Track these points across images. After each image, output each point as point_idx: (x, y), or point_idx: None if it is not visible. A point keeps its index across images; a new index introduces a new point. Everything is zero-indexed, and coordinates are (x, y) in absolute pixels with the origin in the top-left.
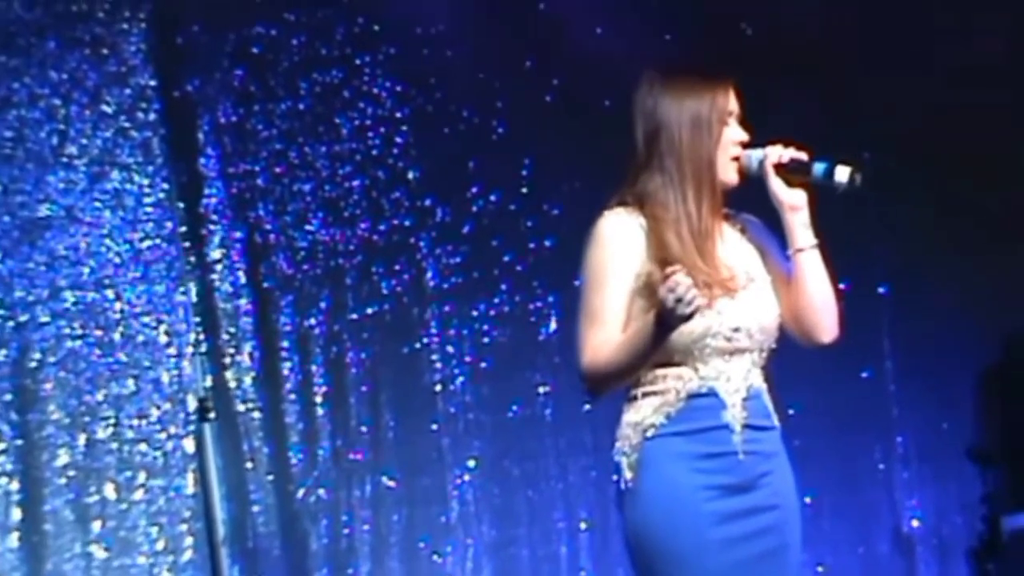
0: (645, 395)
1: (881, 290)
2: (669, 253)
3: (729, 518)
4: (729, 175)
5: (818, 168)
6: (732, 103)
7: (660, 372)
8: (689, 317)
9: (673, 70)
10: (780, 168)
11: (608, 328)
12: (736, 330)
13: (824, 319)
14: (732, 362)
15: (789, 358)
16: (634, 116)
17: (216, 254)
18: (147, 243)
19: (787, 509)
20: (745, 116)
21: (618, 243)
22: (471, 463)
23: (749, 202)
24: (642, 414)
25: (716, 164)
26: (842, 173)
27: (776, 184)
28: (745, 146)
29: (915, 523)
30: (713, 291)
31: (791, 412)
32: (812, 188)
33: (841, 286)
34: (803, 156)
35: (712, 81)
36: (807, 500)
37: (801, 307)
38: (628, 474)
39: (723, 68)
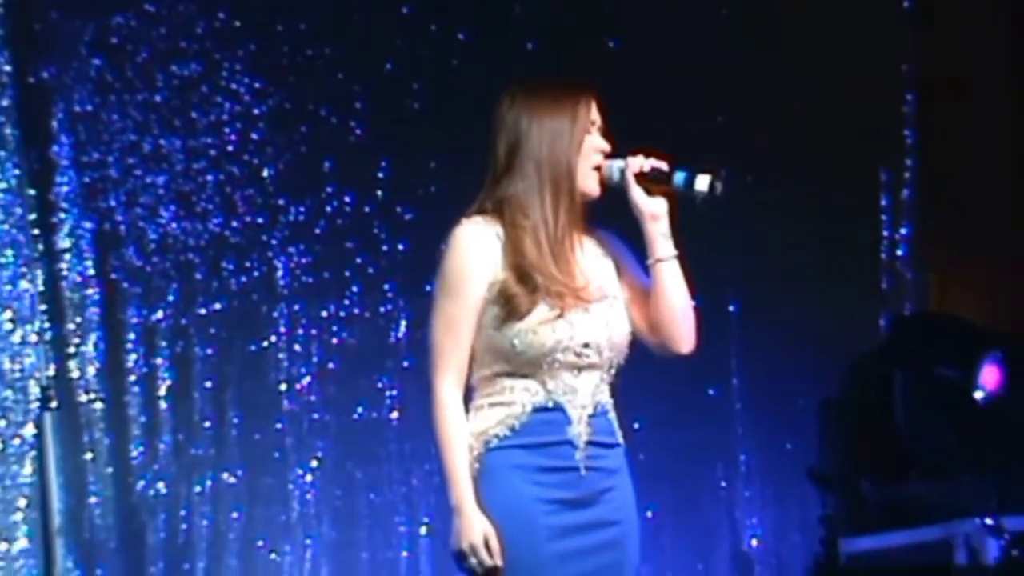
0: (492, 405)
1: (731, 308)
2: (525, 259)
3: (567, 532)
4: (590, 185)
5: (679, 177)
6: (594, 113)
7: (508, 383)
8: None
9: (535, 83)
10: (641, 177)
11: (462, 337)
12: (586, 346)
13: (682, 329)
14: (581, 377)
15: (636, 373)
16: (495, 128)
17: (65, 243)
18: None
19: (627, 525)
20: (608, 127)
21: (474, 251)
22: (314, 463)
23: (614, 212)
24: (486, 424)
25: (576, 172)
26: (702, 182)
27: (636, 193)
28: (607, 156)
29: (755, 542)
30: (566, 301)
31: (636, 427)
32: (673, 198)
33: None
34: (664, 165)
35: (574, 93)
36: (648, 515)
37: (659, 317)
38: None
39: (585, 79)
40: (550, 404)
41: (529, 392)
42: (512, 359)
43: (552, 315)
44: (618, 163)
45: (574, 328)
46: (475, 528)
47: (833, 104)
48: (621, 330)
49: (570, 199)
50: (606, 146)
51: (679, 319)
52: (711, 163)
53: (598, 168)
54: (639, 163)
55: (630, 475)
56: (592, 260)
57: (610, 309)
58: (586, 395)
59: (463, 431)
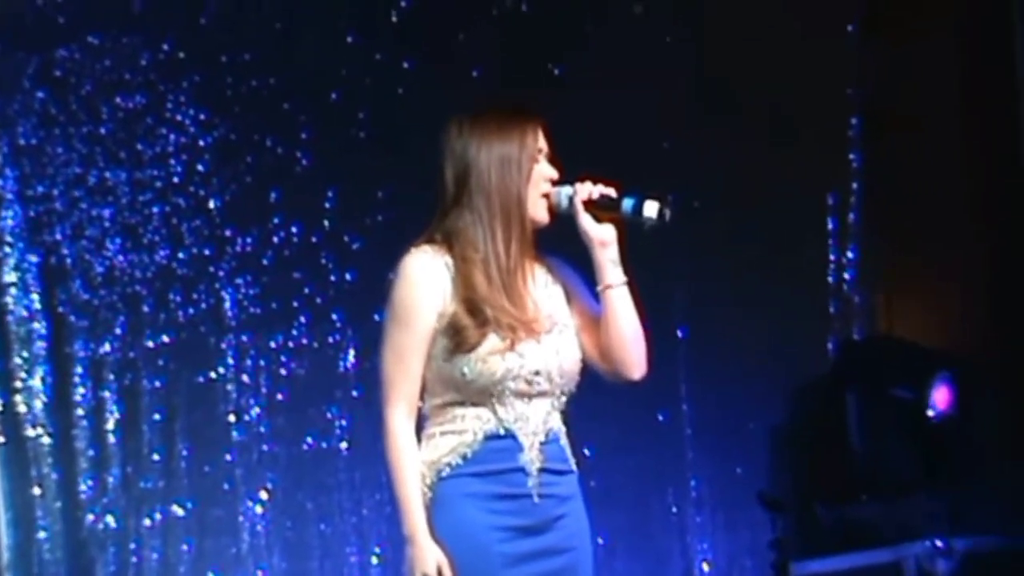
0: (443, 434)
1: (679, 334)
2: (476, 293)
3: (521, 560)
4: (540, 213)
5: (627, 204)
6: (541, 141)
7: (459, 411)
8: None
9: (482, 111)
10: (589, 204)
11: (412, 367)
12: (536, 373)
13: (632, 355)
14: (532, 405)
15: (587, 399)
16: (443, 157)
17: (11, 277)
18: None
19: (580, 552)
20: (554, 154)
21: (423, 281)
22: (264, 495)
23: (564, 238)
24: (438, 453)
25: (526, 202)
26: (651, 208)
27: (585, 220)
28: (555, 183)
29: (706, 567)
30: (517, 333)
31: (587, 453)
32: (621, 225)
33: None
34: (612, 192)
35: (521, 120)
36: (600, 541)
37: (610, 343)
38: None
39: (531, 106)
40: (501, 431)
41: (480, 420)
42: (462, 388)
43: (503, 346)
44: (566, 190)
45: (524, 357)
46: (428, 558)
47: (779, 127)
48: (572, 357)
49: (521, 229)
50: (554, 173)
51: (629, 345)
52: (658, 189)
53: (546, 195)
54: (587, 190)
55: (583, 502)
56: (542, 288)
57: (560, 337)
58: (537, 422)
59: (415, 460)
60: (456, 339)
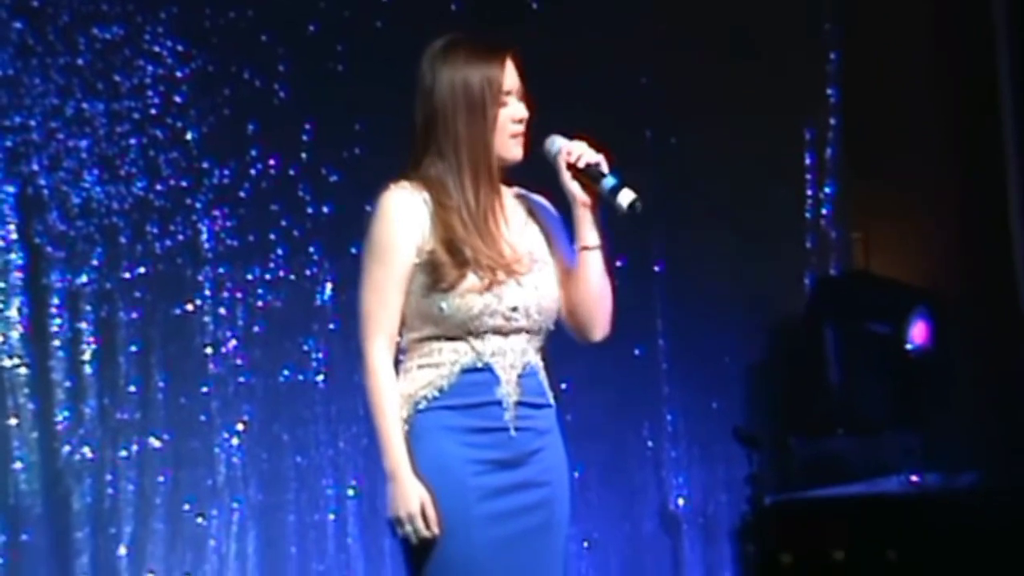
0: (420, 367)
1: (656, 268)
2: (455, 235)
3: (496, 493)
4: (511, 152)
5: (607, 182)
6: (510, 79)
7: (436, 345)
8: None
9: (451, 46)
10: (572, 167)
11: (391, 302)
12: (514, 310)
13: (597, 317)
14: (509, 340)
15: (563, 333)
16: (416, 96)
17: None
18: None
19: (557, 486)
20: (527, 89)
21: (401, 218)
22: (240, 427)
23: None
24: (415, 386)
25: (492, 148)
26: (625, 197)
27: (568, 178)
28: (524, 123)
29: (681, 501)
30: (496, 274)
31: (563, 387)
32: (594, 194)
33: (617, 263)
34: (600, 162)
35: (487, 60)
36: (576, 475)
37: (577, 302)
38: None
39: (504, 40)
40: (479, 364)
41: (457, 353)
42: (440, 323)
43: (481, 285)
44: (557, 144)
45: (502, 295)
46: (412, 495)
47: (756, 62)
48: (550, 295)
49: (489, 177)
50: (524, 114)
51: (596, 306)
52: (639, 183)
53: (518, 136)
54: (577, 153)
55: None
56: (519, 228)
57: (539, 275)
58: (515, 356)
59: (395, 396)
60: (434, 276)
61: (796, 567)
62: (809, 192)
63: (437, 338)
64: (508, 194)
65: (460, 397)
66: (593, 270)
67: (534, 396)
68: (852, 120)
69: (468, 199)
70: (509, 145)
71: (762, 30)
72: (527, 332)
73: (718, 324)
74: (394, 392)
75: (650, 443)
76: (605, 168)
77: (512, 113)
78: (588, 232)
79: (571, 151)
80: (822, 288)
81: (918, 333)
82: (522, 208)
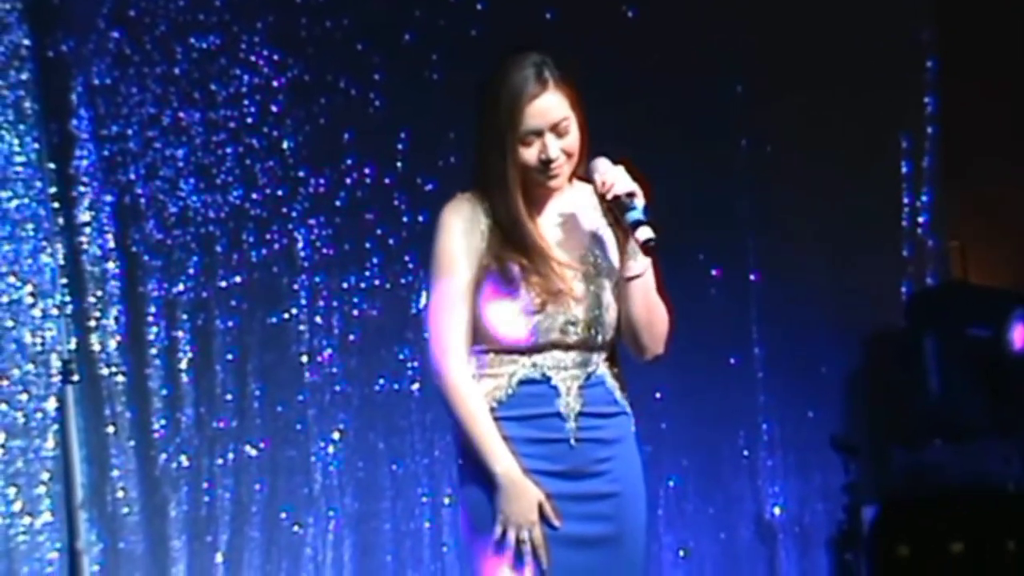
0: (482, 377)
1: (752, 277)
2: (503, 253)
3: (554, 500)
4: (544, 186)
5: (631, 215)
6: (536, 119)
7: (495, 357)
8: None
9: (492, 79)
10: (601, 197)
11: (460, 314)
12: (572, 324)
13: (642, 340)
14: (570, 353)
15: None
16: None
17: (85, 216)
18: (15, 203)
19: (627, 497)
20: (583, 116)
21: (463, 228)
22: (336, 435)
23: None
24: None
25: (516, 183)
26: (643, 233)
27: (604, 206)
28: (583, 146)
29: (777, 511)
30: (546, 294)
31: (658, 396)
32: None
33: (713, 272)
34: (633, 192)
35: (516, 98)
36: (671, 484)
37: (624, 324)
38: (462, 455)
39: (545, 71)
40: (537, 377)
41: (516, 365)
42: (497, 338)
43: (533, 303)
44: (600, 169)
45: (556, 312)
46: (531, 501)
47: (852, 70)
48: (607, 309)
49: (520, 204)
50: (552, 154)
51: (643, 331)
52: (731, 189)
53: (547, 172)
54: (611, 182)
55: (638, 443)
56: (580, 239)
57: (598, 287)
58: (576, 367)
59: (483, 402)
60: (488, 290)
61: (913, 560)
62: (906, 201)
63: (497, 351)
64: (581, 198)
65: (519, 408)
66: (635, 301)
67: (601, 406)
68: (949, 128)
69: (509, 221)
70: (539, 180)
71: (858, 39)
72: (587, 344)
73: (814, 333)
74: (480, 399)
75: (746, 452)
76: (638, 200)
77: (536, 153)
78: (628, 262)
79: (604, 181)
80: (920, 298)
81: (1019, 336)
82: (597, 213)
